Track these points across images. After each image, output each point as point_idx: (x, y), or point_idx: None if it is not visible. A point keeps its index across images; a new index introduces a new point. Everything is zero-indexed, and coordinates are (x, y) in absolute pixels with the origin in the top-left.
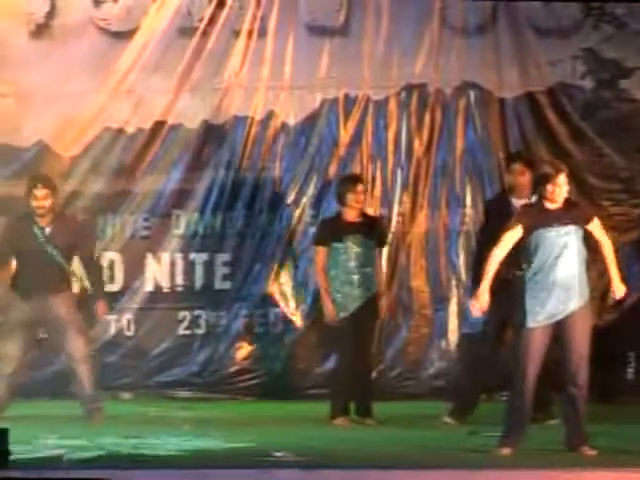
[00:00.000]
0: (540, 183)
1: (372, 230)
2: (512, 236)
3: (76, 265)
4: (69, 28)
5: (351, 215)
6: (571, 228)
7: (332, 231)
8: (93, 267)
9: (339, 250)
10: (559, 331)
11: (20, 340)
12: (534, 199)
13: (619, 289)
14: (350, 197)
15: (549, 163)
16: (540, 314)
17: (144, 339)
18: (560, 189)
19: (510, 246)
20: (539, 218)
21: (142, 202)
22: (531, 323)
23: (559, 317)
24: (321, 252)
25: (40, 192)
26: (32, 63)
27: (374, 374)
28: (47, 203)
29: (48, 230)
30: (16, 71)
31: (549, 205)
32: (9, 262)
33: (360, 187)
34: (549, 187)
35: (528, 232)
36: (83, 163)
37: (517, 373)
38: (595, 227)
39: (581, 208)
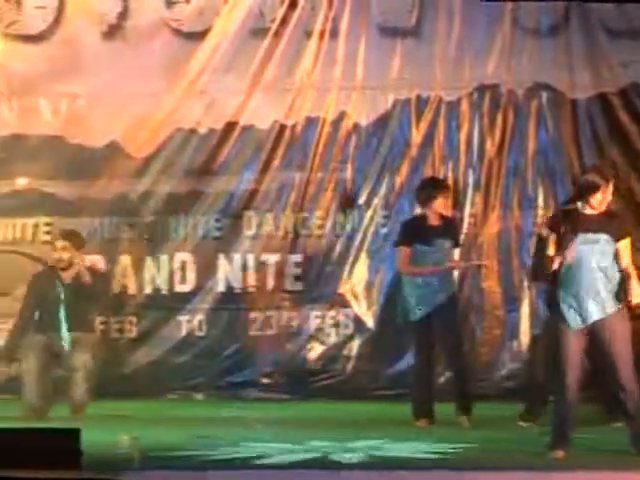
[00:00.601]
0: (586, 190)
1: (449, 231)
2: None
3: None
4: (141, 29)
5: (433, 218)
6: (604, 236)
7: (415, 232)
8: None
9: (421, 251)
10: (597, 336)
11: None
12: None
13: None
14: (437, 202)
15: (598, 171)
16: (575, 317)
17: (216, 340)
18: (605, 198)
19: (550, 248)
20: (577, 224)
21: (214, 203)
22: (567, 326)
23: (591, 320)
24: (404, 252)
25: (60, 244)
26: (104, 64)
27: (447, 376)
28: (66, 256)
29: (69, 283)
30: (89, 72)
31: (589, 211)
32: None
33: (448, 193)
34: (596, 195)
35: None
36: (155, 164)
37: (557, 376)
38: (624, 246)
39: (620, 220)
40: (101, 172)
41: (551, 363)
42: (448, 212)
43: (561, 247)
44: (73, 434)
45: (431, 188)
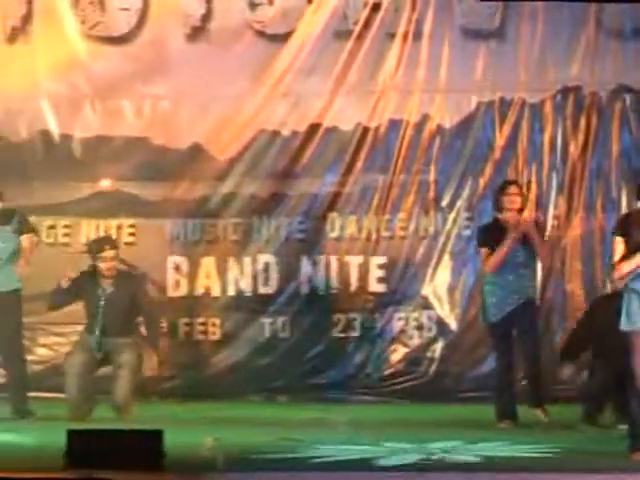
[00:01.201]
0: None
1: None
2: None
3: None
4: (225, 31)
5: (508, 218)
6: None
7: (491, 236)
8: (152, 322)
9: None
10: None
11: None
12: None
13: None
14: (505, 200)
15: None
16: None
17: (299, 341)
18: None
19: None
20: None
21: (297, 205)
22: (630, 326)
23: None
24: (487, 254)
25: (110, 253)
26: (188, 66)
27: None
28: (114, 263)
29: (108, 292)
30: (172, 74)
31: None
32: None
33: (513, 189)
34: None
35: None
36: (238, 165)
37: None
38: None
39: None
40: (184, 174)
41: (625, 366)
42: (521, 209)
43: (631, 251)
44: (156, 435)
45: (498, 189)
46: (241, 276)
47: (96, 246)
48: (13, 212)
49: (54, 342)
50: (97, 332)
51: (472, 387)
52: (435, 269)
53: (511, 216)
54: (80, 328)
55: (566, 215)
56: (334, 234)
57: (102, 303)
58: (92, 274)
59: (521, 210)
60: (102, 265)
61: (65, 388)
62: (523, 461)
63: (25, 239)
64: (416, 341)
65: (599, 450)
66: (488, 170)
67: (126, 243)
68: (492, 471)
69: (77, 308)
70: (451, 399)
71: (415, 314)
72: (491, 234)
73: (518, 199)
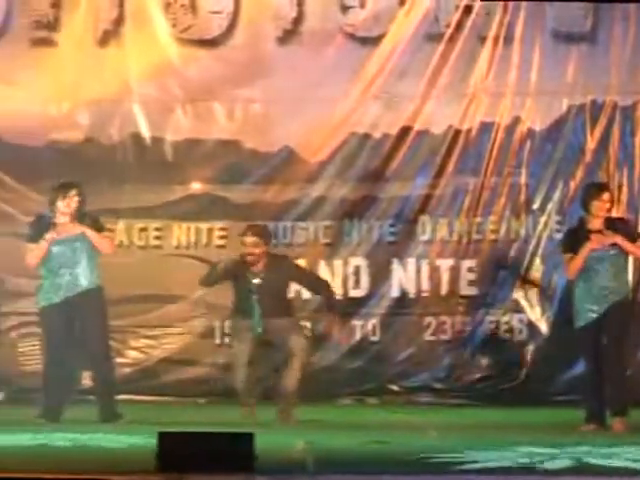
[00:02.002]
0: None
1: (616, 233)
2: None
3: None
4: (316, 34)
5: (595, 223)
6: None
7: (579, 239)
8: (319, 287)
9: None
10: None
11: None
12: None
13: None
14: (595, 205)
15: None
16: None
17: (389, 344)
18: None
19: None
20: None
21: (388, 207)
22: None
23: None
24: (568, 259)
25: (250, 239)
26: (279, 69)
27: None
28: (257, 250)
29: (257, 282)
30: (263, 77)
31: None
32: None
33: (606, 196)
34: None
35: None
36: (329, 168)
37: None
38: None
39: None
40: (275, 177)
41: None
42: (610, 214)
43: None
44: (247, 438)
45: (589, 192)
46: (332, 279)
47: (242, 233)
48: (84, 215)
49: (145, 345)
50: (255, 314)
51: (563, 390)
52: (526, 272)
53: (598, 223)
54: (170, 330)
55: None
56: (425, 237)
57: (254, 287)
58: (241, 262)
59: (609, 215)
60: (246, 251)
61: (232, 381)
62: (613, 467)
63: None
64: (506, 344)
65: None
66: (579, 173)
67: (217, 246)
68: (583, 476)
69: (168, 311)
70: (541, 403)
71: (506, 317)
72: (575, 239)
73: (608, 206)
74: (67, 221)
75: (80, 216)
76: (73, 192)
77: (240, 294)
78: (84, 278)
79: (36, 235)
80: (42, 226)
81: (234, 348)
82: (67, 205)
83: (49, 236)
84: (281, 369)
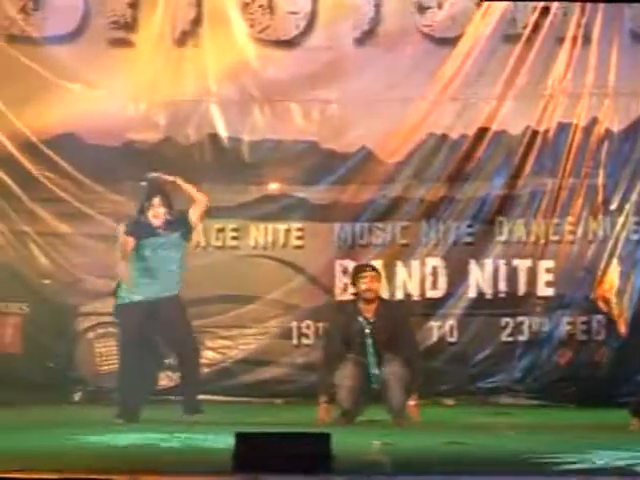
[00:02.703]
0: None
1: None
2: None
3: None
4: (393, 34)
5: None
6: None
7: None
8: (415, 364)
9: None
10: None
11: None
12: None
13: None
14: None
15: None
16: None
17: (466, 345)
18: None
19: None
20: None
21: (465, 208)
22: None
23: None
24: None
25: (369, 274)
26: (357, 69)
27: None
28: (375, 286)
29: (372, 322)
30: (341, 77)
31: None
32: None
33: None
34: None
35: None
36: (407, 169)
37: None
38: None
39: None
40: (353, 177)
41: None
42: None
43: None
44: (323, 438)
45: None
46: (409, 280)
47: (356, 270)
48: (180, 217)
49: (221, 345)
50: (370, 357)
51: None
52: (604, 273)
53: None
54: (247, 331)
55: None
56: (502, 238)
57: (367, 331)
58: (351, 303)
59: None
60: (363, 287)
61: (337, 396)
62: None
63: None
64: (584, 345)
65: None
66: None
67: (294, 246)
68: None
69: (244, 311)
70: (619, 404)
71: (583, 318)
72: None
73: None
74: (161, 226)
75: (176, 224)
76: (157, 200)
77: (352, 338)
78: (169, 279)
79: (133, 233)
80: (139, 230)
81: (344, 370)
82: (154, 213)
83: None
84: (384, 390)
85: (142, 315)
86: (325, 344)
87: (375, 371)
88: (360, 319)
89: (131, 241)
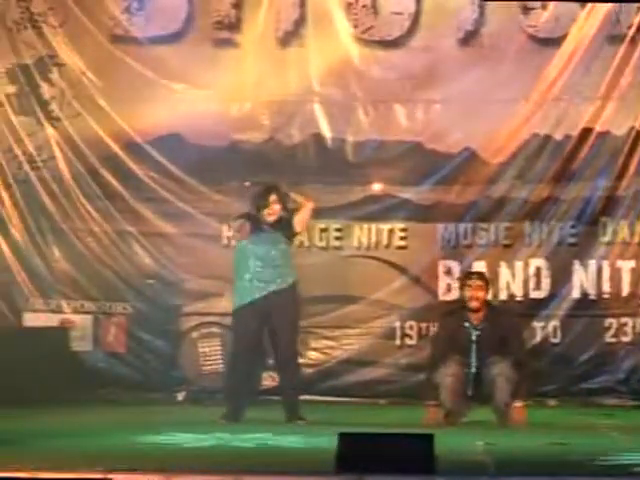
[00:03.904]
0: None
1: None
2: None
3: None
4: (497, 35)
5: None
6: None
7: None
8: (523, 367)
9: None
10: None
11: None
12: None
13: None
14: None
15: None
16: None
17: (570, 346)
18: None
19: None
20: None
21: (569, 209)
22: None
23: None
24: None
25: (475, 282)
26: (460, 70)
27: None
28: (481, 294)
29: (479, 328)
30: (444, 78)
31: None
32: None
33: None
34: None
35: None
36: (510, 170)
37: None
38: None
39: None
40: (456, 178)
41: None
42: None
43: None
44: (427, 439)
45: None
46: (513, 280)
47: (463, 277)
48: (286, 214)
49: (325, 346)
50: (473, 365)
51: None
52: None
53: None
54: (350, 331)
55: None
56: (606, 238)
57: (473, 338)
58: (459, 310)
59: None
60: (468, 295)
61: (440, 395)
62: None
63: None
64: None
65: None
66: None
67: (398, 247)
68: None
69: (348, 312)
70: None
71: None
72: None
73: None
74: (270, 222)
75: (280, 219)
76: (274, 197)
77: (458, 344)
78: (280, 278)
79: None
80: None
81: (446, 369)
82: (270, 211)
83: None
84: (490, 389)
85: (254, 315)
86: (432, 348)
87: (477, 372)
88: (467, 325)
89: (247, 225)
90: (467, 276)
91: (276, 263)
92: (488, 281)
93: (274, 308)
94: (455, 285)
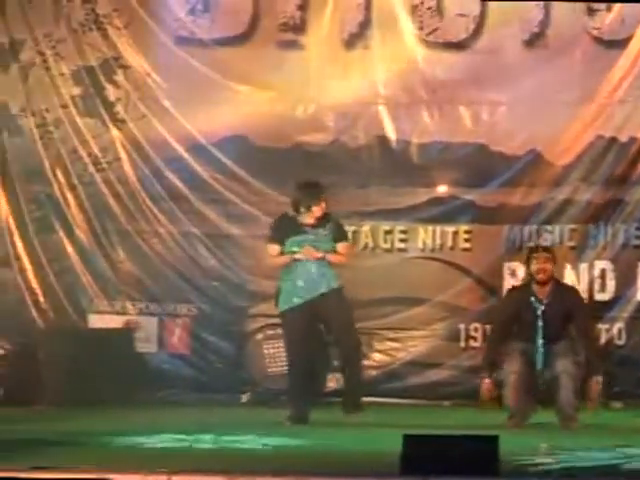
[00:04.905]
0: None
1: None
2: None
3: None
4: (562, 37)
5: None
6: None
7: None
8: (588, 341)
9: None
10: None
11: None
12: None
13: None
14: None
15: None
16: None
17: (635, 348)
18: None
19: None
20: None
21: (634, 211)
22: None
23: None
24: None
25: (542, 255)
26: (525, 72)
27: None
28: (549, 267)
29: (545, 303)
30: (510, 80)
31: None
32: (511, 330)
33: None
34: None
35: None
36: (575, 172)
37: None
38: None
39: None
40: (521, 180)
41: None
42: None
43: None
44: (491, 441)
45: None
46: (577, 282)
47: (529, 250)
48: (329, 218)
49: (390, 347)
50: (538, 340)
51: None
52: None
53: None
54: (415, 333)
55: None
56: None
57: (539, 313)
58: (524, 285)
59: None
60: (535, 268)
61: (504, 397)
62: None
63: (341, 247)
64: None
65: None
66: None
67: (462, 249)
68: None
69: (412, 314)
70: None
71: None
72: None
73: None
74: (311, 224)
75: (324, 221)
76: (321, 199)
77: (523, 320)
78: (326, 280)
79: (278, 237)
80: (286, 229)
81: (508, 367)
82: (313, 213)
83: (299, 256)
84: (555, 390)
85: (306, 316)
86: (494, 321)
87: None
88: (532, 300)
89: (276, 249)
90: (533, 249)
91: (317, 261)
92: (555, 255)
93: (324, 310)
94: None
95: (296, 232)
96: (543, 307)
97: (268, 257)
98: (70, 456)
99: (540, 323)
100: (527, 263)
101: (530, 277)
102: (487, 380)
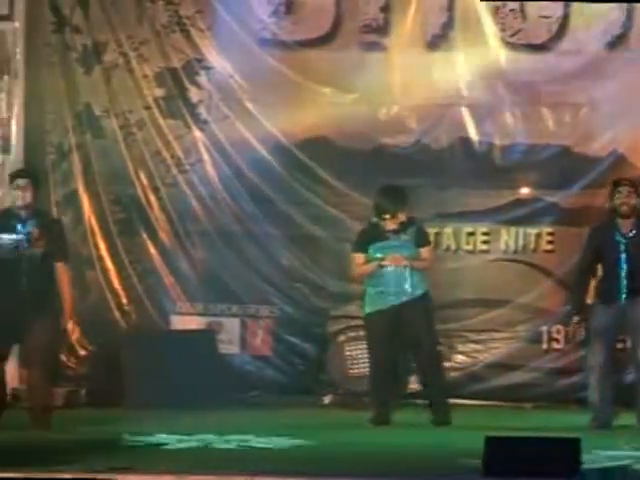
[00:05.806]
0: None
1: None
2: None
3: None
4: None
5: None
6: None
7: None
8: None
9: None
10: None
11: (600, 348)
12: None
13: None
14: None
15: None
16: None
17: None
18: None
19: None
20: None
21: None
22: None
23: None
24: None
25: (624, 189)
26: (608, 73)
27: None
28: (632, 201)
29: (630, 235)
30: (593, 81)
31: None
32: (595, 269)
33: None
34: None
35: None
36: None
37: None
38: None
39: None
40: (604, 181)
41: None
42: None
43: None
44: (573, 443)
45: None
46: None
47: (613, 184)
48: (412, 222)
49: (472, 349)
50: (622, 275)
51: None
52: None
53: None
54: (497, 335)
55: None
56: None
57: (622, 247)
58: (608, 220)
59: None
60: (618, 201)
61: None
62: None
63: (424, 251)
64: None
65: None
66: None
67: (545, 251)
68: None
69: (495, 315)
70: None
71: None
72: None
73: None
74: (394, 229)
75: (407, 226)
76: (405, 205)
77: (607, 256)
78: (411, 284)
79: (363, 245)
80: (369, 236)
81: (592, 356)
82: (397, 219)
83: (385, 262)
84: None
85: (390, 320)
86: (580, 261)
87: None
88: (616, 233)
89: (361, 257)
90: (617, 183)
91: (408, 272)
92: (639, 189)
93: (408, 315)
94: None
95: (379, 238)
96: (627, 240)
97: (355, 266)
98: (156, 458)
99: (624, 256)
100: (610, 197)
101: (614, 211)
102: (576, 324)
